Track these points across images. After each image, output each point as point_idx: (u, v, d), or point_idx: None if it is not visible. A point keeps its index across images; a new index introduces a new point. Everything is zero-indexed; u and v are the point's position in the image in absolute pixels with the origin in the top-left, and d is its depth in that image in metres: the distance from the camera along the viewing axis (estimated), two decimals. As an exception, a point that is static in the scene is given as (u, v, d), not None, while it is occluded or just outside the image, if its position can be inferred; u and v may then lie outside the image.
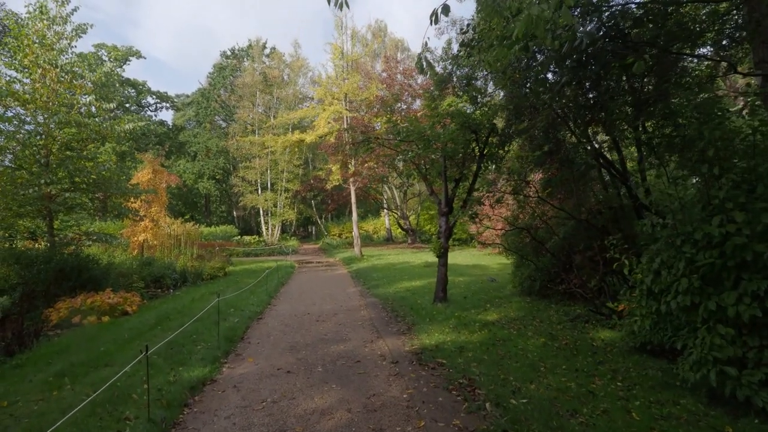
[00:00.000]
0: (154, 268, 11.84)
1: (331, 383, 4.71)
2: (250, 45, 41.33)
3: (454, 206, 8.81)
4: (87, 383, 4.63)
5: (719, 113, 4.04)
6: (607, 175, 8.77)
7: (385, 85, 24.53)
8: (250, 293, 10.47)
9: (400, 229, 34.53)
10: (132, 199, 12.77)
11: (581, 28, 3.48)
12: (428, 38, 8.08)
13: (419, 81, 26.42)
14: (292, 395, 4.40)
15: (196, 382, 4.65)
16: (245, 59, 41.55)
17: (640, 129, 7.40)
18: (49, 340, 6.56)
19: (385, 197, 33.39)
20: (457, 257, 19.29)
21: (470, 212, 8.16)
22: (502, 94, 8.52)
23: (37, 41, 9.61)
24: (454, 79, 9.10)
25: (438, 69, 9.09)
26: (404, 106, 25.06)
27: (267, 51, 41.12)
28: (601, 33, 3.90)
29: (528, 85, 7.46)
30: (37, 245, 11.42)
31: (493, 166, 8.97)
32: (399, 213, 32.07)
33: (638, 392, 4.31)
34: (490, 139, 8.45)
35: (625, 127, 6.82)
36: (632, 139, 8.18)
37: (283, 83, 36.67)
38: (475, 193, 8.69)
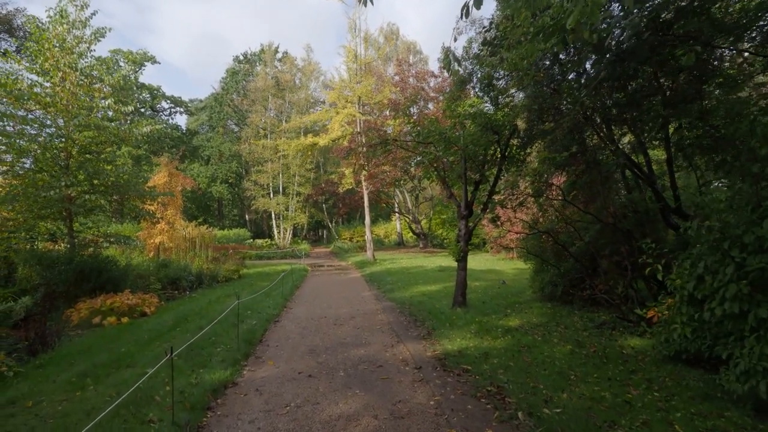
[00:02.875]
0: (170, 270, 11.89)
1: (355, 388, 4.58)
2: (262, 50, 41.78)
3: (474, 210, 8.65)
4: (109, 384, 4.59)
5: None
6: (631, 178, 8.54)
7: (398, 88, 24.50)
8: (266, 296, 10.43)
9: (411, 234, 34.36)
10: (149, 202, 12.89)
11: (621, 21, 3.32)
12: (458, 31, 7.82)
13: (431, 84, 26.37)
14: (316, 400, 4.29)
15: (218, 385, 4.57)
16: (258, 64, 42.00)
17: (673, 129, 7.17)
18: (71, 341, 6.57)
19: (397, 201, 33.29)
20: (470, 262, 18.90)
21: (492, 215, 7.98)
22: (522, 95, 8.37)
23: (58, 45, 9.75)
24: (474, 80, 8.98)
25: (458, 69, 8.99)
26: (416, 110, 24.99)
27: (279, 55, 41.51)
28: (642, 25, 3.74)
29: (552, 84, 7.31)
30: (57, 247, 11.56)
31: (514, 169, 8.81)
32: (411, 217, 31.91)
33: (678, 403, 4.10)
34: (511, 141, 8.31)
35: (652, 127, 6.62)
36: (661, 139, 7.97)
37: (295, 87, 36.93)
38: (496, 196, 8.53)
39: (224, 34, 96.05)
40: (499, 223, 8.02)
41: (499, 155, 8.36)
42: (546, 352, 5.75)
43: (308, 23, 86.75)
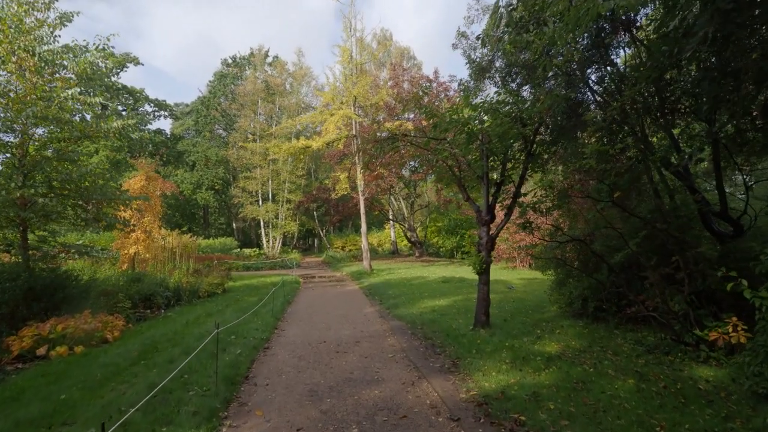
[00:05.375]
0: (143, 285, 10.40)
1: (377, 456, 3.33)
2: (251, 53, 40.59)
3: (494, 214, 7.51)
4: (28, 460, 3.23)
5: None
6: (659, 181, 7.58)
7: (395, 91, 23.55)
8: (254, 315, 9.05)
9: (405, 242, 33.16)
10: (122, 208, 11.44)
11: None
12: (470, 20, 6.83)
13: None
14: (325, 480, 3.02)
15: (186, 456, 3.26)
16: (247, 67, 40.74)
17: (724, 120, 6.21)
18: (3, 380, 5.15)
19: (392, 209, 32.16)
20: (469, 272, 17.91)
21: (523, 220, 6.85)
22: (550, 84, 7.33)
23: (12, 26, 8.43)
24: (493, 69, 7.95)
25: (474, 56, 7.94)
26: (413, 116, 24.04)
27: (269, 59, 40.34)
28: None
29: (591, 71, 6.30)
30: (13, 259, 10.04)
31: (539, 169, 7.75)
32: (406, 225, 30.75)
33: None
34: (538, 137, 7.25)
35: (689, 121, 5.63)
36: (702, 137, 7.06)
37: (286, 92, 35.73)
38: (523, 199, 7.42)
39: (215, 38, 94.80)
40: (533, 228, 6.86)
41: (525, 152, 7.26)
42: (607, 389, 4.59)
43: (301, 29, 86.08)
